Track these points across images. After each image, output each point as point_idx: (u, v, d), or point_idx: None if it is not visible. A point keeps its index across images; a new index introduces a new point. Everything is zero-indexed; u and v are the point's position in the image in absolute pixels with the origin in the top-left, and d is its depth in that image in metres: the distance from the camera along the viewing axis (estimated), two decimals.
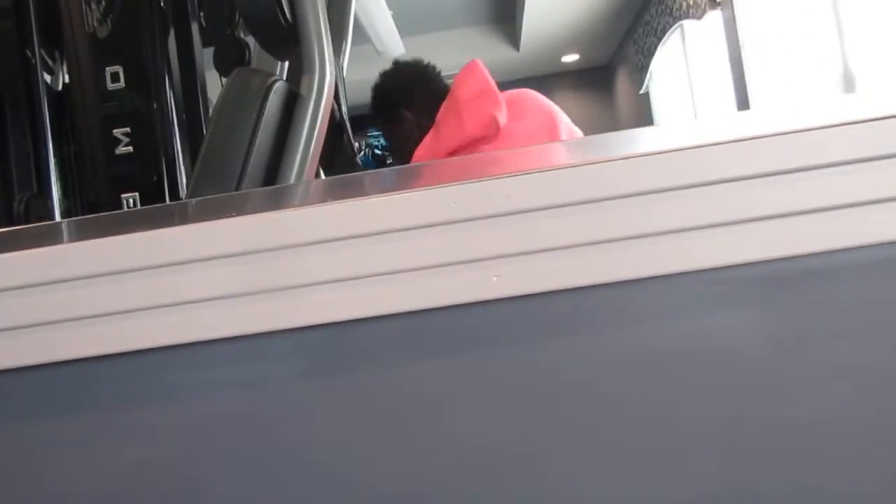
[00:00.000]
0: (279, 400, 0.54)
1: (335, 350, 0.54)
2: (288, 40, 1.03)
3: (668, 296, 0.51)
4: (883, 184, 0.49)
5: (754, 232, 0.50)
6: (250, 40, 1.30)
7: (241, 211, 0.55)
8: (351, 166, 1.48)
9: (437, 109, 1.63)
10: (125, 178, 1.15)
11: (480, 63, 1.61)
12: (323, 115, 1.03)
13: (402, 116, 1.75)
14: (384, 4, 2.10)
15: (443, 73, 1.79)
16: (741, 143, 0.50)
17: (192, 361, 0.55)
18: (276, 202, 0.70)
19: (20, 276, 0.54)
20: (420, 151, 1.57)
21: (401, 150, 1.78)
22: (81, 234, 0.65)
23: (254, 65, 1.35)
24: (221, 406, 0.55)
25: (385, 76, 1.80)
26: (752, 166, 0.50)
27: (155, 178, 1.17)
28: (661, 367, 0.51)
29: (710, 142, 0.51)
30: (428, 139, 1.58)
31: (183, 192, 1.18)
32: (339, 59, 1.50)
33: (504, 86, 1.65)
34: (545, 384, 0.52)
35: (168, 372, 0.55)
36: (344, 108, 1.44)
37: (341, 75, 1.48)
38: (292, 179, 0.99)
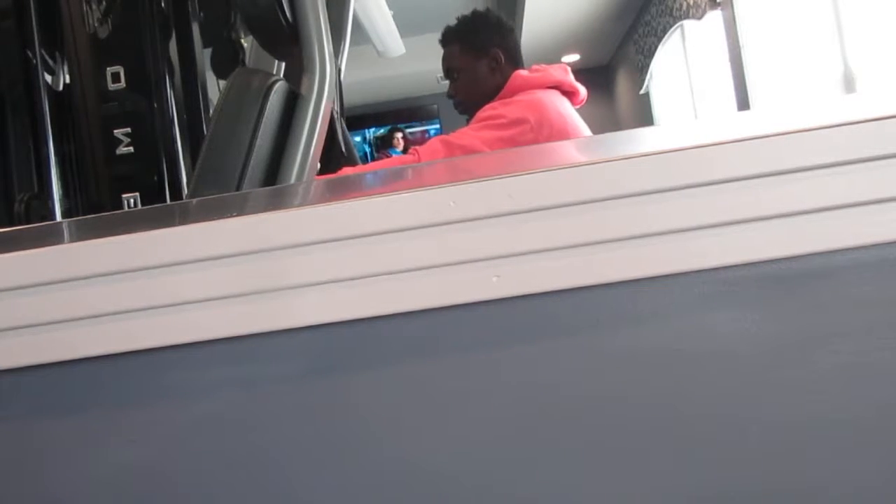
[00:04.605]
0: (278, 400, 0.54)
1: (334, 350, 0.54)
2: (288, 40, 1.03)
3: (668, 296, 0.51)
4: (883, 184, 0.49)
5: (754, 232, 0.50)
6: (247, 41, 1.30)
7: (241, 211, 0.55)
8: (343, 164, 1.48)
9: (516, 66, 1.63)
10: (126, 178, 1.16)
11: None
12: (323, 116, 1.03)
13: (493, 54, 1.65)
14: (384, 5, 2.10)
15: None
16: (741, 143, 0.50)
17: (191, 362, 0.55)
18: (277, 202, 0.70)
19: (20, 276, 0.54)
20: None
21: (470, 91, 1.68)
22: (82, 234, 0.66)
23: (251, 65, 1.35)
24: (220, 406, 0.55)
25: (477, 13, 1.70)
26: (752, 166, 0.50)
27: (155, 178, 1.17)
28: (661, 367, 0.51)
29: (710, 142, 0.51)
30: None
31: (183, 192, 1.18)
32: (337, 59, 1.50)
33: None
34: (545, 384, 0.52)
35: (167, 372, 0.55)
36: (336, 107, 1.44)
37: (338, 75, 1.48)
38: (293, 179, 0.99)
